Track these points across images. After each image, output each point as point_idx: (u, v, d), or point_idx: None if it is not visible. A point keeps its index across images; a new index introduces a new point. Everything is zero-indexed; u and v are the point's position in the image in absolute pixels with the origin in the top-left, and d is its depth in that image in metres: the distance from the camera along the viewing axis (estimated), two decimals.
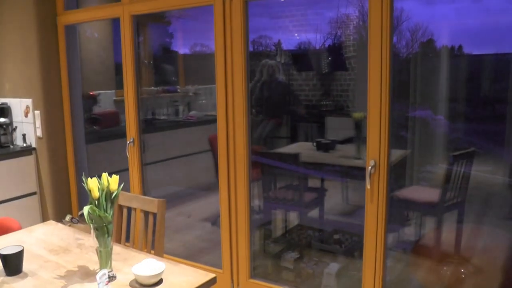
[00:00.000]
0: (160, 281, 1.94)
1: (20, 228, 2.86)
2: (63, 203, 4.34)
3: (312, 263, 3.63)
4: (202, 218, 4.89)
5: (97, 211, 1.92)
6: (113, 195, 1.98)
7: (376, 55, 2.56)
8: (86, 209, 1.93)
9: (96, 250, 1.99)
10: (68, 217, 3.69)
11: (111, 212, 1.97)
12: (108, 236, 1.97)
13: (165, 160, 5.37)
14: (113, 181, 1.98)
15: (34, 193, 4.33)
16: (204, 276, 2.00)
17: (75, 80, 4.33)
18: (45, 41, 4.13)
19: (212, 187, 4.12)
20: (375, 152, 2.65)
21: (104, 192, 1.95)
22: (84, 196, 4.37)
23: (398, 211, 3.80)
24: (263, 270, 3.57)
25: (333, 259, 3.71)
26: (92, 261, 2.19)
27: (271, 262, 3.84)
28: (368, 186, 2.69)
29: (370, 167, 2.67)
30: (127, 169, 3.94)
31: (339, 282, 3.33)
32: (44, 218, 4.36)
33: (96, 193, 1.93)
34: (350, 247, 3.71)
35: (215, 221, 4.31)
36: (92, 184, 1.93)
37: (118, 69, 5.16)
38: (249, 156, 3.20)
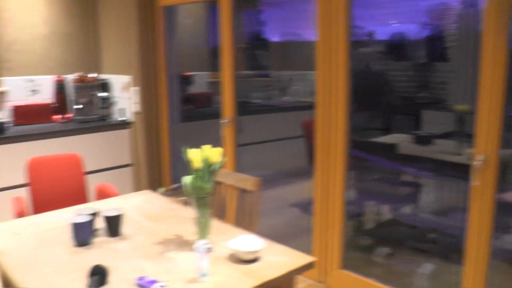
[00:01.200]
0: (256, 259, 1.90)
1: (116, 194, 2.95)
2: (156, 176, 4.47)
3: (404, 260, 3.48)
4: (290, 204, 4.85)
5: (198, 182, 1.91)
6: (214, 167, 1.96)
7: (490, 44, 2.36)
8: (186, 179, 1.93)
9: (195, 220, 1.99)
10: (161, 190, 3.77)
11: (211, 184, 1.96)
12: (207, 208, 1.96)
13: (255, 144, 5.37)
14: (215, 153, 1.96)
15: (129, 165, 4.49)
16: (302, 258, 1.94)
17: (171, 60, 4.42)
18: (144, 21, 4.25)
19: (302, 173, 4.05)
20: (485, 146, 2.46)
21: (206, 163, 1.94)
22: (176, 171, 4.47)
23: (502, 216, 3.55)
24: (353, 262, 3.46)
25: (427, 259, 3.53)
26: (188, 231, 2.20)
27: (361, 254, 3.72)
28: (475, 183, 2.50)
29: (478, 162, 2.48)
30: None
31: (433, 284, 3.16)
32: (137, 189, 4.51)
33: (197, 164, 1.92)
34: (446, 248, 3.51)
35: (305, 207, 4.25)
36: (194, 154, 1.93)
37: (212, 52, 5.22)
38: (347, 144, 3.10)
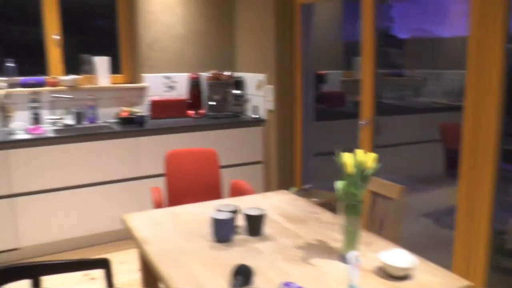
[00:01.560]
0: (407, 276, 1.72)
1: (252, 192, 2.91)
2: (286, 175, 4.41)
3: None
4: (421, 213, 4.53)
5: (350, 188, 1.78)
6: (367, 173, 1.81)
7: None
8: (338, 184, 1.81)
9: (342, 228, 1.85)
10: (293, 189, 3.70)
11: (363, 191, 1.81)
12: (357, 216, 1.82)
13: (385, 147, 5.11)
14: (369, 158, 1.81)
15: (260, 162, 4.49)
16: (457, 281, 1.72)
17: (307, 59, 4.33)
18: (281, 20, 4.20)
19: (435, 180, 3.74)
20: None
21: (359, 169, 1.80)
22: (307, 171, 4.38)
23: None
24: (497, 285, 3.12)
25: None
26: (331, 238, 2.07)
27: (505, 277, 3.35)
28: None
29: None
30: (351, 149, 3.79)
31: None
32: (267, 187, 4.50)
33: (350, 169, 1.79)
34: None
35: (439, 218, 3.94)
36: (348, 159, 1.80)
37: (346, 50, 5.04)
38: (498, 152, 2.77)
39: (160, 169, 3.99)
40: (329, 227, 2.19)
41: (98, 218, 3.97)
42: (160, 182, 3.77)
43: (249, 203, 2.51)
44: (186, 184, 3.17)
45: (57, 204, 3.82)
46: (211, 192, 3.18)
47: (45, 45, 4.40)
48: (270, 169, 4.45)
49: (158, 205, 2.94)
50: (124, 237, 4.02)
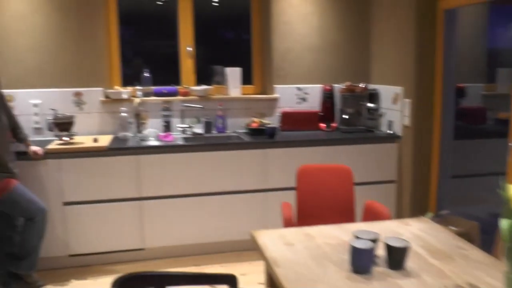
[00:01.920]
0: None
1: (389, 217, 2.70)
2: (421, 198, 4.08)
3: None
4: None
5: None
6: None
7: None
8: (502, 224, 1.55)
9: (504, 275, 1.59)
10: (429, 215, 3.40)
11: None
12: None
13: None
14: None
15: (393, 181, 4.22)
16: None
17: (448, 70, 3.98)
18: (423, 28, 3.90)
19: None
20: None
21: None
22: (443, 194, 4.03)
23: None
24: None
25: None
26: (484, 282, 1.79)
27: None
28: None
29: None
30: (494, 174, 3.42)
31: None
32: (399, 209, 4.21)
33: None
34: None
35: None
36: None
37: (489, 60, 4.58)
38: None
39: (288, 183, 3.90)
40: (481, 268, 1.91)
41: (221, 227, 3.99)
42: (288, 196, 3.67)
43: (388, 231, 2.31)
44: (318, 202, 3.03)
45: (182, 210, 3.91)
46: (344, 212, 3.01)
47: (178, 57, 4.55)
48: (403, 190, 4.15)
49: (288, 222, 2.84)
50: (246, 247, 3.98)
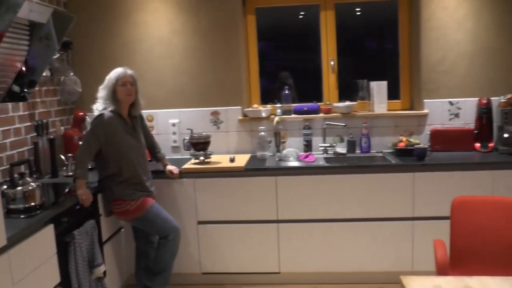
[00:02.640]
0: None
1: None
2: None
3: None
4: None
5: None
6: None
7: None
8: None
9: None
10: None
11: None
12: None
13: None
14: None
15: None
16: None
17: None
18: None
19: None
20: None
21: None
22: None
23: None
24: None
25: None
26: None
27: None
28: None
29: None
30: None
31: None
32: None
33: None
34: None
35: None
36: None
37: None
38: None
39: (438, 212, 3.50)
40: None
41: (362, 256, 3.70)
42: (438, 228, 3.25)
43: None
44: (478, 244, 2.57)
45: (321, 236, 3.71)
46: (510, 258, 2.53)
47: (320, 71, 4.34)
48: None
49: (444, 266, 2.45)
50: (389, 280, 3.66)
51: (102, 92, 3.29)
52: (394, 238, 3.64)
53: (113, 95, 3.24)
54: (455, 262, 2.60)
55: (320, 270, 3.75)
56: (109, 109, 3.25)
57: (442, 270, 2.46)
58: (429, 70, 4.10)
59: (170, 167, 3.64)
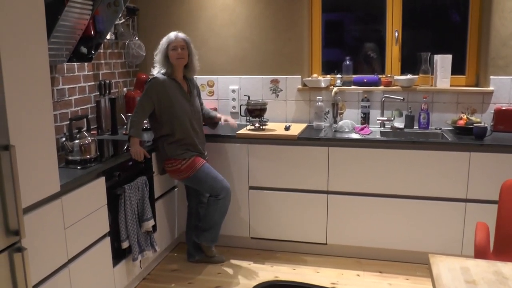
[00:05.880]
0: None
1: None
2: None
3: None
4: None
5: None
6: None
7: None
8: None
9: None
10: None
11: None
12: None
13: None
14: None
15: None
16: None
17: None
18: None
19: None
20: None
21: None
22: None
23: None
24: None
25: None
26: None
27: None
28: None
29: None
30: None
31: None
32: None
33: None
34: None
35: None
36: None
37: None
38: None
39: (492, 195, 3.37)
40: None
41: (411, 235, 3.66)
42: (489, 212, 3.18)
43: None
44: None
45: (370, 210, 3.70)
46: None
47: (384, 43, 4.24)
48: None
49: (482, 250, 2.42)
50: (423, 261, 3.62)
51: (157, 56, 3.46)
52: (444, 219, 3.57)
53: (166, 59, 3.40)
54: (498, 248, 2.56)
55: (365, 245, 3.76)
56: (163, 72, 3.42)
57: (480, 253, 2.42)
58: (500, 44, 3.87)
59: (226, 117, 3.83)
